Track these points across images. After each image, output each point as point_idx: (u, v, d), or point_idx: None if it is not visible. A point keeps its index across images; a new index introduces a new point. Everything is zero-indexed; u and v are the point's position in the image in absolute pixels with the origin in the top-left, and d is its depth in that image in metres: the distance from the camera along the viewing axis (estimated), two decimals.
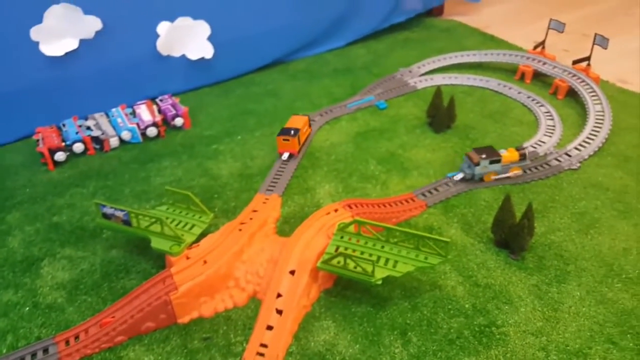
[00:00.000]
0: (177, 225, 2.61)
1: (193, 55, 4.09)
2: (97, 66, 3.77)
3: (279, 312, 2.22)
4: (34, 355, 2.16)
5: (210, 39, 4.10)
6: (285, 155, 3.30)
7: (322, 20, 4.68)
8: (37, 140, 3.38)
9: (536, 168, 3.15)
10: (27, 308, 2.41)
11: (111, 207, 2.52)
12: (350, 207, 2.70)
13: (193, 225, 2.61)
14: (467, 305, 2.35)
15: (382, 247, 2.43)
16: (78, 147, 3.42)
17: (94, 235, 2.81)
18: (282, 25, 4.44)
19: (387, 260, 2.35)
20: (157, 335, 2.26)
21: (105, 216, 2.57)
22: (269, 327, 2.17)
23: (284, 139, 3.28)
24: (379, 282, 2.25)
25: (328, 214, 2.65)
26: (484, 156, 2.99)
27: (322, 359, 2.14)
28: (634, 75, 4.26)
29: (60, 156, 3.34)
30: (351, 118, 3.78)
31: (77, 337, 2.21)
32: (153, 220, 2.48)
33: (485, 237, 2.70)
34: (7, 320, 2.36)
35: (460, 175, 3.07)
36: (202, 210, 2.68)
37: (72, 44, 3.60)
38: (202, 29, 4.06)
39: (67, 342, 2.20)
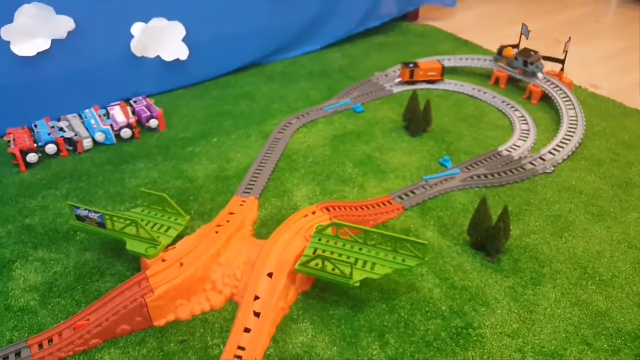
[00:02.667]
0: (152, 227, 2.58)
1: (168, 57, 4.05)
2: (69, 67, 3.70)
3: (257, 314, 2.20)
4: (6, 358, 2.11)
5: (185, 40, 4.06)
6: (397, 81, 4.24)
7: (298, 24, 4.67)
8: (9, 142, 3.32)
9: (511, 172, 3.18)
10: None
11: (85, 209, 2.47)
12: (328, 210, 2.69)
13: (169, 228, 2.57)
14: (444, 308, 2.36)
15: (360, 249, 2.43)
16: (51, 149, 3.36)
17: (68, 237, 2.76)
18: (258, 28, 4.42)
19: (365, 262, 2.35)
20: (132, 338, 2.23)
21: (79, 218, 2.52)
22: (247, 330, 2.15)
23: (403, 67, 4.18)
24: (357, 285, 2.24)
25: (306, 216, 2.64)
26: (533, 53, 3.97)
27: None
28: (604, 81, 4.33)
29: (32, 158, 3.28)
30: (328, 121, 3.78)
31: (50, 341, 2.17)
32: (128, 222, 2.44)
33: (462, 240, 2.72)
34: None
35: (541, 74, 4.00)
36: (178, 213, 2.65)
37: (44, 44, 3.53)
38: (177, 30, 4.02)
39: (41, 346, 2.15)
